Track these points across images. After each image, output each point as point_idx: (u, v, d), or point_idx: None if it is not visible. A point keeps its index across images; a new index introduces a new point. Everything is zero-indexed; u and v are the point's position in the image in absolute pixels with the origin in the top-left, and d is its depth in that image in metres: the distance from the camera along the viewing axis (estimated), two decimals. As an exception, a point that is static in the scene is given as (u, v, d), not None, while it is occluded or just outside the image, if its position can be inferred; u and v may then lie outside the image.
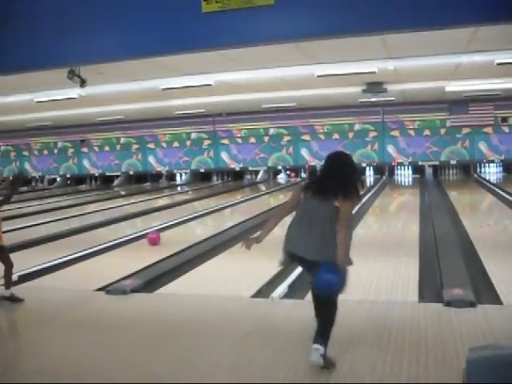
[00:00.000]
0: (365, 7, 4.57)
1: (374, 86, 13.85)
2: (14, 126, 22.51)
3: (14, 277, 6.65)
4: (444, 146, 20.76)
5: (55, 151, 25.76)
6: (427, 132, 20.87)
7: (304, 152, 22.19)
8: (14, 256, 8.25)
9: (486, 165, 21.22)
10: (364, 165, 21.55)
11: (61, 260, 7.68)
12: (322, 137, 21.99)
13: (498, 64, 10.52)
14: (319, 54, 9.40)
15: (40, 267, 7.26)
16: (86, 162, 25.34)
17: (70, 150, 25.51)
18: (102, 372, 3.87)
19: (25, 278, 6.75)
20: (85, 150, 25.24)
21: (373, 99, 17.00)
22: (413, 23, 4.71)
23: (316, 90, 14.90)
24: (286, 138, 22.36)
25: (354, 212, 4.28)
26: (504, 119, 19.98)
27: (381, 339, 4.26)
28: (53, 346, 4.45)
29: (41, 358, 4.18)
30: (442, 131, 20.69)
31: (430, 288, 5.77)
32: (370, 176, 21.77)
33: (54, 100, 13.65)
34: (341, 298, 5.23)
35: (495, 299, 5.31)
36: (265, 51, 8.14)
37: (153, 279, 6.48)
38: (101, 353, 4.26)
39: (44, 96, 13.18)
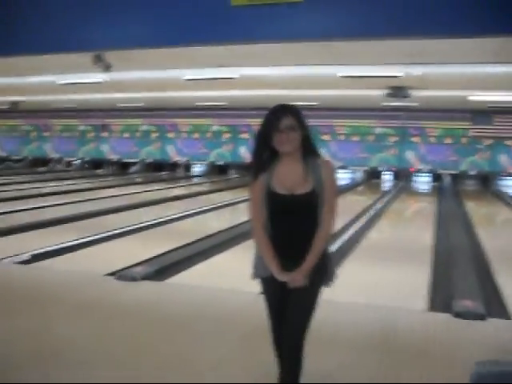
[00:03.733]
0: (393, 11, 4.55)
1: (398, 91, 13.76)
2: (36, 107, 22.66)
3: (27, 255, 6.75)
4: (464, 156, 20.62)
5: (76, 134, 25.91)
6: (448, 140, 20.74)
7: (323, 153, 22.05)
8: (27, 235, 8.41)
9: (506, 178, 21.03)
10: (382, 169, 21.47)
11: (74, 242, 7.74)
12: (341, 137, 21.93)
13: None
14: (345, 54, 9.34)
15: (53, 248, 7.32)
16: (105, 147, 25.45)
17: (91, 134, 25.65)
18: (101, 357, 3.89)
19: (37, 258, 6.81)
20: (105, 134, 25.36)
21: (395, 104, 16.91)
22: (440, 31, 4.68)
23: (338, 90, 14.84)
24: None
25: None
26: (527, 133, 19.82)
27: (386, 344, 4.23)
28: (57, 327, 4.47)
29: (43, 338, 4.21)
30: (464, 140, 20.55)
31: (440, 297, 5.72)
32: (388, 181, 21.65)
33: (78, 83, 13.72)
34: (348, 300, 5.24)
35: (505, 313, 5.26)
36: (289, 48, 8.13)
37: (164, 268, 6.49)
38: (104, 338, 4.27)
39: (68, 79, 13.23)
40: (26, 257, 6.72)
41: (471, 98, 14.87)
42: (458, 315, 4.93)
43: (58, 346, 4.07)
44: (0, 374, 3.53)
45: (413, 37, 5.51)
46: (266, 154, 2.99)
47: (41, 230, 8.86)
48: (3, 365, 3.68)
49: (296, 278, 2.89)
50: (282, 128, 2.87)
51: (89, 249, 7.62)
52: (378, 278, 6.42)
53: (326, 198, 2.92)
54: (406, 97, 14.09)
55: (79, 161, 25.88)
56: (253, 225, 3.01)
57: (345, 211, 11.95)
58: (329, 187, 2.94)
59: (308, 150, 3.00)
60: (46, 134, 26.35)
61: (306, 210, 2.92)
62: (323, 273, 3.00)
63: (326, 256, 3.01)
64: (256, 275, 3.10)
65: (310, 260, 2.90)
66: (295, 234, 2.94)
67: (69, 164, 25.92)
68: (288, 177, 2.94)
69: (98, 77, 12.47)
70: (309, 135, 3.01)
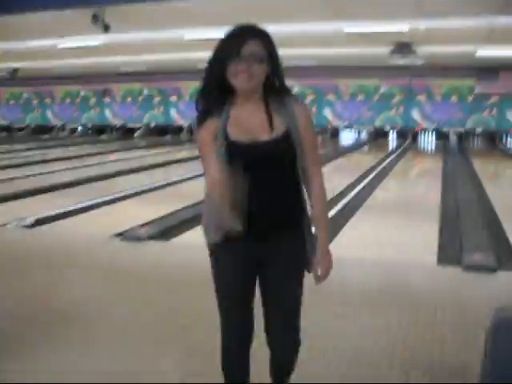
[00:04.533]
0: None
1: (403, 47, 13.51)
2: (36, 73, 22.40)
3: (32, 219, 6.70)
4: (470, 114, 20.35)
5: (77, 100, 25.71)
6: (454, 98, 20.46)
7: (327, 112, 21.87)
8: (32, 200, 8.37)
9: (513, 134, 20.79)
10: (387, 128, 21.29)
11: (79, 206, 7.70)
12: (346, 97, 21.68)
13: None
14: (349, 8, 9.16)
15: (57, 212, 7.27)
16: (107, 113, 25.27)
17: (93, 100, 25.44)
18: (107, 315, 3.89)
19: (42, 222, 6.77)
20: (107, 100, 25.16)
21: (401, 62, 16.62)
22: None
23: (341, 48, 14.57)
24: (310, 97, 22.00)
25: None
26: (535, 88, 19.52)
27: (397, 299, 4.18)
28: (62, 289, 4.46)
29: (50, 299, 4.20)
30: (470, 98, 20.26)
31: (450, 252, 5.66)
32: (392, 140, 21.43)
33: (77, 47, 13.55)
34: (356, 257, 5.19)
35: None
36: (292, 3, 7.96)
37: (169, 228, 6.46)
38: (109, 299, 4.26)
39: (68, 42, 13.05)
40: (30, 221, 6.67)
41: (478, 53, 14.59)
42: (468, 268, 4.87)
43: (62, 307, 4.04)
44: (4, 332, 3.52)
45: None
46: (216, 91, 2.15)
47: (45, 195, 8.80)
48: (12, 323, 3.66)
49: (326, 265, 2.23)
50: (243, 55, 2.04)
51: (94, 211, 7.58)
52: (387, 235, 6.35)
53: (308, 146, 2.17)
54: (410, 53, 13.84)
55: (82, 127, 25.71)
56: (209, 179, 2.27)
57: (350, 170, 11.87)
58: (309, 133, 2.18)
59: (273, 89, 2.17)
60: (47, 100, 26.10)
61: (275, 163, 2.14)
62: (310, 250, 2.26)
63: (310, 229, 2.26)
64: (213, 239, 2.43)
65: (325, 231, 2.24)
66: (261, 197, 2.15)
67: (72, 131, 25.75)
68: (248, 121, 2.15)
69: (98, 38, 12.28)
70: (279, 71, 2.16)
